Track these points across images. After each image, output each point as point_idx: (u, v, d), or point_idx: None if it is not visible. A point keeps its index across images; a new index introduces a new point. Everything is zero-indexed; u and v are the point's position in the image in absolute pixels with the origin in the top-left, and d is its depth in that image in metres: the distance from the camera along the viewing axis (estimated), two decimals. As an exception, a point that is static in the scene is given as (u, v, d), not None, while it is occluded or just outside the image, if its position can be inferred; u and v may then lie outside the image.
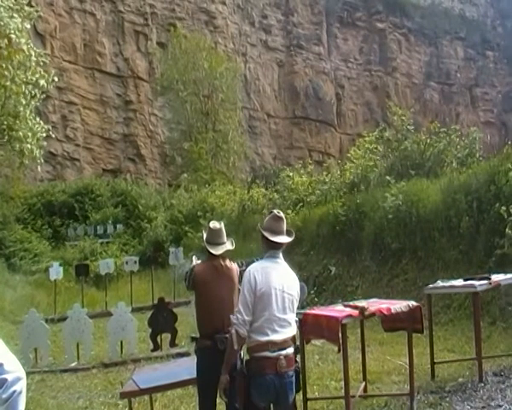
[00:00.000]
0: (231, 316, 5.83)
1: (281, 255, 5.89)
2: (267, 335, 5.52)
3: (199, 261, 7.06)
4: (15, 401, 3.39)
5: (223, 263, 6.74)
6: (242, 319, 5.51)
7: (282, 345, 5.55)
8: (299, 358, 6.16)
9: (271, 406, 5.65)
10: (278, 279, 5.70)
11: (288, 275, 5.87)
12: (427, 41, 78.63)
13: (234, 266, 6.87)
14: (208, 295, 6.61)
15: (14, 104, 26.40)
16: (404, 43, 76.86)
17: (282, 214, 6.02)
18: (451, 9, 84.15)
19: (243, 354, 5.85)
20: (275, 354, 5.48)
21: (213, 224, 6.92)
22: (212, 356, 6.40)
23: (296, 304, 5.87)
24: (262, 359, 5.50)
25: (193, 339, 6.95)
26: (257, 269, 5.70)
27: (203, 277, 6.63)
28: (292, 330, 5.74)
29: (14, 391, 3.39)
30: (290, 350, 5.64)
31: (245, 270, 5.98)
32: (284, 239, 5.88)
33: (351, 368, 8.23)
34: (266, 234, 5.81)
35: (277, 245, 5.84)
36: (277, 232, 5.83)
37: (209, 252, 6.72)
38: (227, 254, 6.85)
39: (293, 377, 5.68)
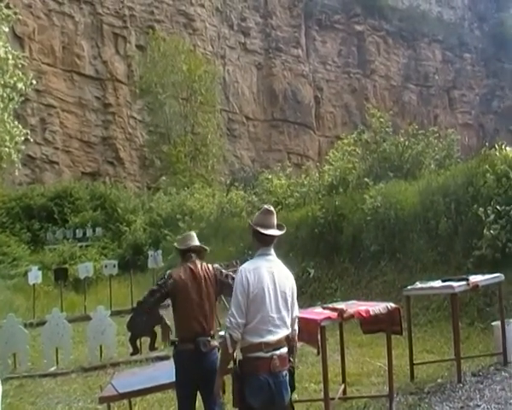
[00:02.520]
0: (225, 319, 5.79)
1: (272, 251, 5.82)
2: (261, 336, 5.47)
3: None
4: (-8, 408, 3.37)
5: (199, 266, 6.73)
6: (236, 322, 5.44)
7: (275, 345, 5.51)
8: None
9: (267, 407, 5.56)
10: (271, 278, 5.64)
11: (281, 272, 5.80)
12: (406, 43, 78.96)
13: (211, 269, 6.85)
14: (187, 300, 6.55)
15: (-8, 107, 26.19)
16: (382, 46, 77.11)
17: (272, 208, 5.97)
18: (429, 12, 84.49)
19: (236, 354, 5.81)
20: (268, 354, 5.45)
21: (185, 233, 7.04)
22: (192, 359, 6.39)
23: (290, 300, 5.77)
24: (255, 359, 5.47)
25: (173, 343, 6.89)
26: (249, 270, 5.62)
27: (181, 281, 6.58)
28: (286, 330, 5.67)
29: (-9, 399, 3.37)
30: (284, 350, 5.60)
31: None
32: (275, 232, 5.82)
33: (330, 370, 8.24)
34: (258, 228, 5.75)
35: (269, 239, 5.78)
36: (268, 226, 5.78)
37: (182, 254, 6.77)
38: (203, 258, 6.86)
39: (287, 377, 5.63)
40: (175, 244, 6.97)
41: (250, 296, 5.50)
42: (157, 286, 6.74)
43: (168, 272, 6.84)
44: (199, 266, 6.74)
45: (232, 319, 5.46)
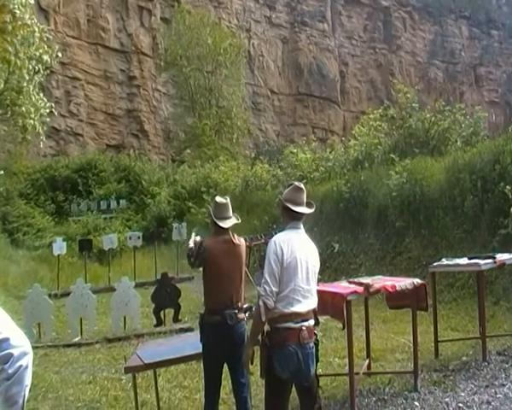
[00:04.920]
0: (258, 288, 5.79)
1: (301, 226, 5.87)
2: (292, 305, 5.49)
3: (197, 237, 7.01)
4: (21, 375, 3.39)
5: (232, 238, 6.70)
6: (270, 290, 5.44)
7: (304, 316, 5.55)
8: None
9: (294, 378, 5.63)
10: (302, 250, 5.69)
11: (309, 245, 5.87)
12: (432, 19, 78.37)
13: (242, 242, 6.84)
14: (219, 270, 6.52)
15: (18, 79, 26.31)
16: (408, 22, 76.61)
17: (302, 186, 6.00)
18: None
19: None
20: (298, 325, 5.47)
21: (219, 198, 6.86)
22: (219, 331, 6.38)
23: (317, 273, 5.88)
24: (285, 330, 5.48)
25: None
26: (283, 240, 5.65)
27: (214, 251, 6.55)
28: (313, 302, 5.74)
29: (21, 366, 3.39)
30: (311, 322, 5.65)
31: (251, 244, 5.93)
32: (306, 210, 5.88)
33: (354, 345, 8.20)
34: (289, 205, 5.78)
35: (299, 216, 5.83)
36: (299, 203, 5.82)
37: (218, 226, 6.66)
38: (233, 229, 6.81)
39: (314, 349, 5.68)
40: (211, 211, 6.81)
41: (284, 265, 5.52)
42: (189, 256, 6.76)
43: (196, 240, 6.81)
44: (233, 238, 6.71)
45: (267, 287, 5.46)
